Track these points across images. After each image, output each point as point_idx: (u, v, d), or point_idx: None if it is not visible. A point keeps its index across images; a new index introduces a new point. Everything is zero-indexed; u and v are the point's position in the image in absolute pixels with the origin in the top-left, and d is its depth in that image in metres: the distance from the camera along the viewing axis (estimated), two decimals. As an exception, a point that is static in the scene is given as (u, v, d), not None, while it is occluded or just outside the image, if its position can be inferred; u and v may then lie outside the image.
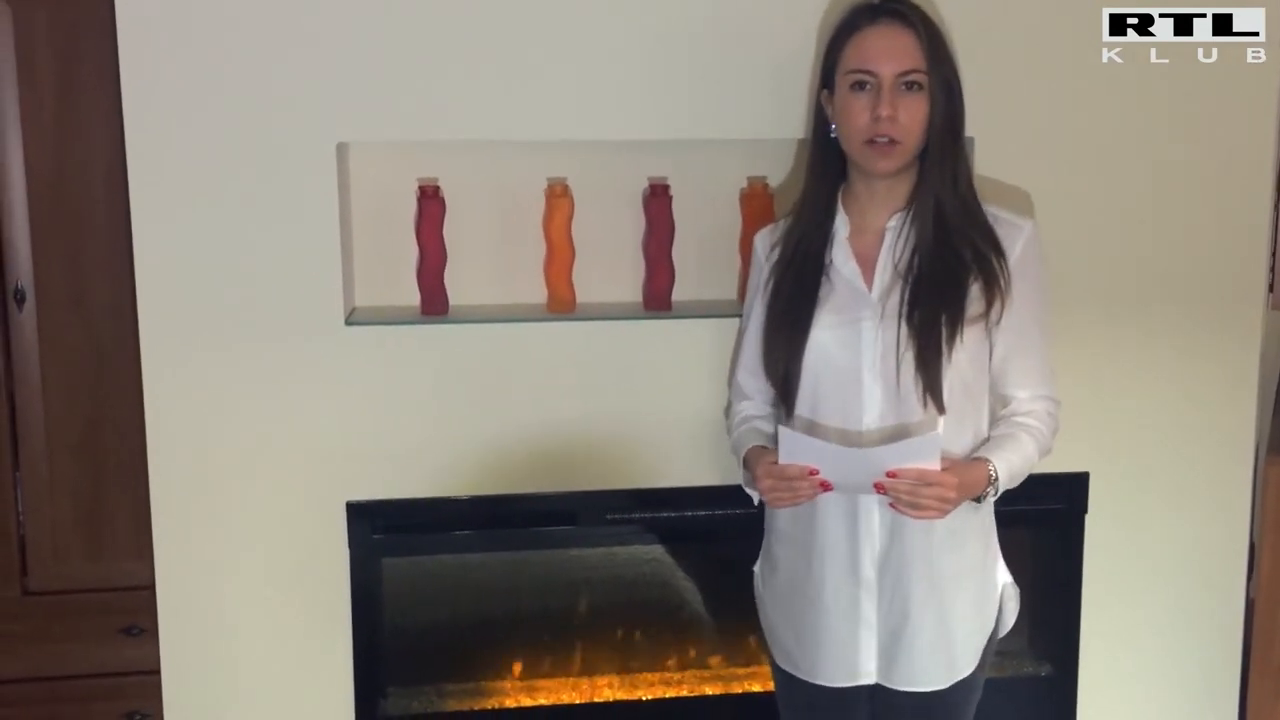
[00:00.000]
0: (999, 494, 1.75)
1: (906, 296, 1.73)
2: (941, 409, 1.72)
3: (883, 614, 1.79)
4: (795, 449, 1.67)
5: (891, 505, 1.68)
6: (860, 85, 1.72)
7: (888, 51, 1.70)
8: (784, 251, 1.83)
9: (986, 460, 1.73)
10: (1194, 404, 2.34)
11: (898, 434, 1.73)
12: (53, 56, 2.39)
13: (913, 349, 1.71)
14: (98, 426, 2.51)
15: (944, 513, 1.67)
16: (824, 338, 1.76)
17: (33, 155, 2.41)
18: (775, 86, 2.12)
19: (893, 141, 1.70)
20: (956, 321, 1.71)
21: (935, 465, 1.64)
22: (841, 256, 1.79)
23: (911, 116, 1.70)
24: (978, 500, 1.74)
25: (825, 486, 1.68)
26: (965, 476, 1.69)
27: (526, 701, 2.38)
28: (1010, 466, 1.73)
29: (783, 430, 1.68)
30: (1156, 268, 2.28)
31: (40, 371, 2.48)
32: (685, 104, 2.13)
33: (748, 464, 1.83)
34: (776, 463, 1.69)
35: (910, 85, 1.70)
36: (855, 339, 1.75)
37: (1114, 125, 2.22)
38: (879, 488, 1.65)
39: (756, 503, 1.86)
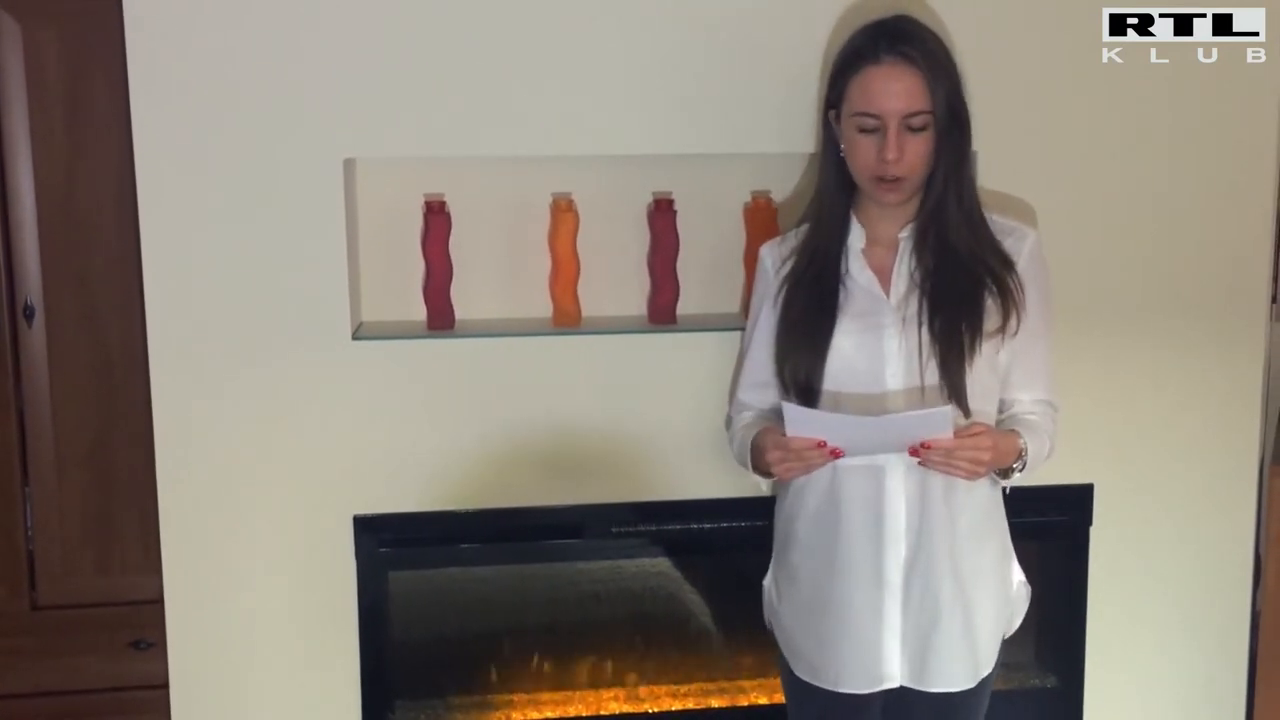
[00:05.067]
0: (1023, 471, 1.76)
1: (925, 303, 1.75)
2: (967, 412, 1.75)
3: (910, 618, 1.80)
4: (800, 423, 1.67)
5: (921, 463, 1.68)
6: (866, 126, 1.73)
7: (892, 93, 1.71)
8: (798, 263, 1.85)
9: (1016, 432, 1.76)
10: (1198, 416, 2.34)
11: (913, 402, 1.75)
12: (62, 73, 2.40)
13: (936, 354, 1.73)
14: (106, 441, 2.52)
15: (975, 475, 1.68)
16: (846, 344, 1.77)
17: (42, 172, 2.42)
18: (780, 102, 2.13)
19: (899, 179, 1.73)
20: (976, 328, 1.74)
21: (948, 435, 1.65)
22: (857, 266, 1.81)
23: (917, 154, 1.73)
24: (1004, 475, 1.76)
25: (836, 454, 1.68)
26: (999, 440, 1.72)
27: (533, 715, 2.38)
28: (1035, 448, 1.77)
29: (787, 406, 1.69)
30: (1158, 275, 2.29)
31: (49, 386, 2.49)
32: (690, 119, 2.14)
33: (756, 446, 1.82)
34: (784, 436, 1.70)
35: (915, 126, 1.72)
36: (877, 345, 1.76)
37: (1114, 126, 2.23)
38: (914, 452, 1.66)
39: (769, 490, 1.86)
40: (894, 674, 1.83)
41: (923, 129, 1.72)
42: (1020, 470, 1.76)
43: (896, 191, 1.74)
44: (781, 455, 1.71)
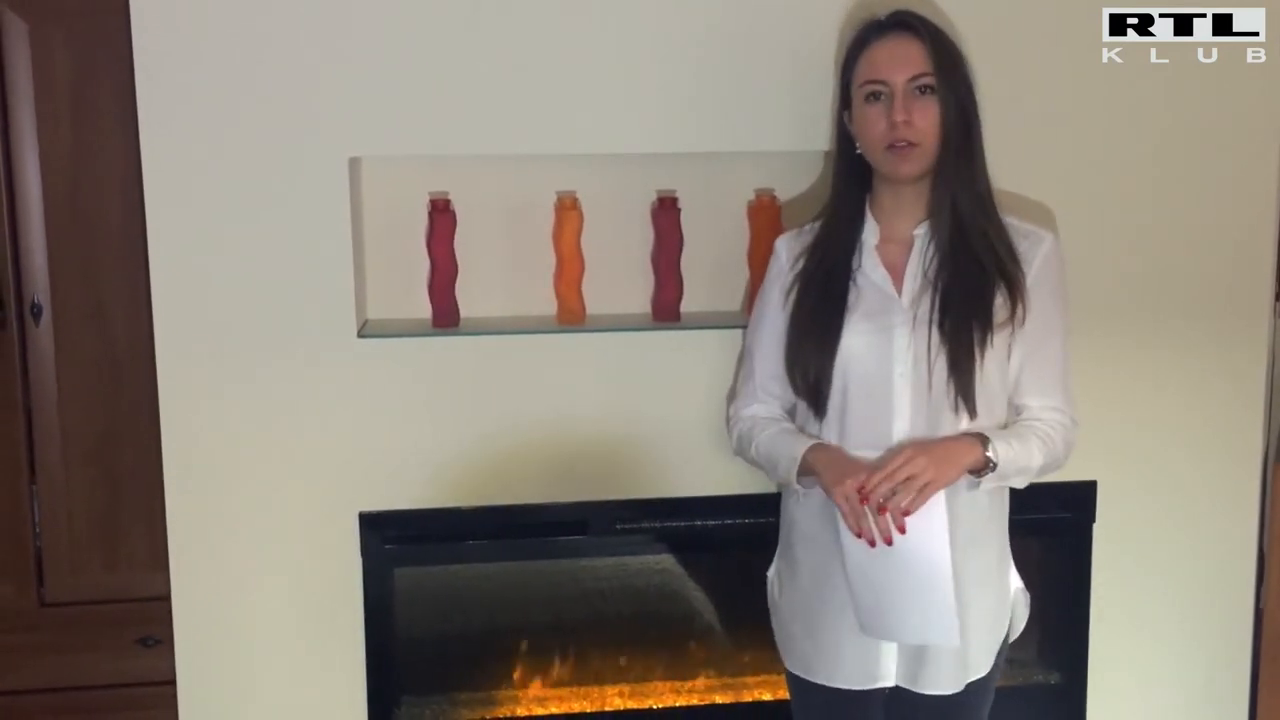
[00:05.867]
0: (999, 471, 1.72)
1: (937, 303, 1.75)
2: (974, 413, 1.75)
3: None
4: (927, 518, 1.67)
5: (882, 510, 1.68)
6: (874, 95, 1.75)
7: (896, 60, 1.74)
8: (810, 261, 1.85)
9: (975, 434, 1.73)
10: (1201, 413, 2.34)
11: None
12: (69, 73, 2.41)
13: (945, 355, 1.73)
14: (113, 438, 2.53)
15: (929, 482, 1.65)
16: (855, 343, 1.78)
17: (49, 170, 2.44)
18: (784, 99, 2.14)
19: (910, 144, 1.73)
20: (986, 328, 1.74)
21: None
22: (871, 263, 1.81)
23: (926, 119, 1.73)
24: (976, 475, 1.73)
25: (884, 540, 1.68)
26: (934, 447, 1.69)
27: (538, 710, 2.39)
28: (1009, 448, 1.72)
29: (942, 513, 1.68)
30: (1160, 274, 2.29)
31: (56, 384, 2.51)
32: (694, 118, 2.15)
33: (814, 459, 1.77)
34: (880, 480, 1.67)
35: (922, 89, 1.73)
36: (887, 344, 1.77)
37: (1114, 126, 2.23)
38: (864, 498, 1.67)
39: (802, 494, 1.84)
40: (889, 672, 1.84)
41: (930, 93, 1.73)
42: (993, 471, 1.72)
43: (910, 160, 1.74)
44: (857, 489, 1.67)
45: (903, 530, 1.66)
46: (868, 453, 1.76)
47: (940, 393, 1.75)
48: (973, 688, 1.83)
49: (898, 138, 1.73)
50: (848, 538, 1.72)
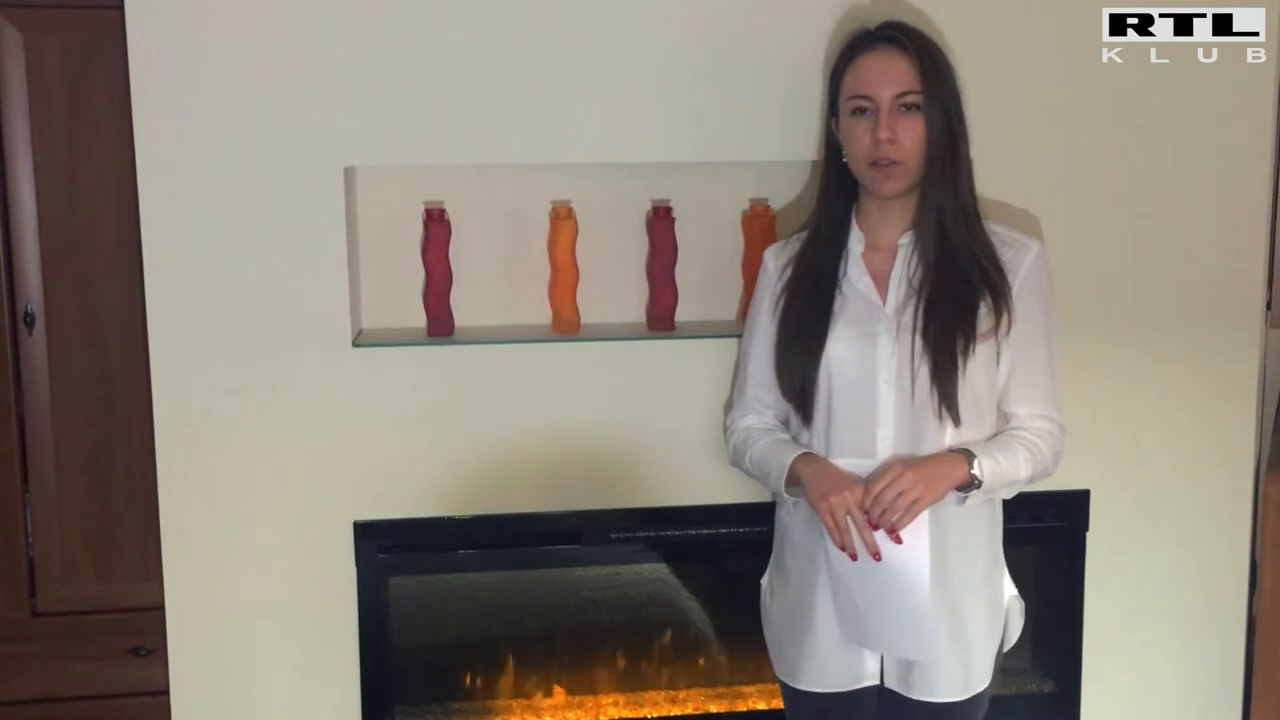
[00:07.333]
0: (984, 487, 1.73)
1: (921, 311, 1.76)
2: (957, 421, 1.75)
3: None
4: (909, 535, 1.70)
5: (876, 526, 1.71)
6: (861, 110, 1.76)
7: (883, 75, 1.74)
8: (796, 269, 1.86)
9: (961, 451, 1.74)
10: (1194, 421, 2.35)
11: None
12: (63, 82, 2.41)
13: (928, 363, 1.74)
14: (107, 448, 2.53)
15: (916, 499, 1.68)
16: (840, 350, 1.78)
17: (43, 179, 2.44)
18: (778, 110, 2.15)
19: (894, 163, 1.73)
20: (970, 336, 1.74)
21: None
22: (856, 271, 1.82)
23: (911, 137, 1.73)
24: (962, 491, 1.75)
25: (872, 555, 1.71)
26: (922, 464, 1.71)
27: (532, 720, 2.40)
28: (995, 464, 1.73)
29: (924, 531, 1.71)
30: (1155, 279, 2.29)
31: (50, 394, 2.50)
32: (688, 127, 2.15)
33: (801, 470, 1.78)
34: (872, 496, 1.69)
35: (908, 106, 1.73)
36: (871, 352, 1.77)
37: (1113, 127, 2.24)
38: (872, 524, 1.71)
39: (793, 504, 1.85)
40: (874, 671, 1.85)
41: (915, 110, 1.73)
42: (978, 487, 1.73)
43: (893, 179, 1.75)
44: (842, 505, 1.70)
45: (898, 542, 1.69)
46: (853, 460, 1.77)
47: (924, 401, 1.75)
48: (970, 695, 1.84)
49: (882, 155, 1.73)
50: (832, 549, 1.74)
